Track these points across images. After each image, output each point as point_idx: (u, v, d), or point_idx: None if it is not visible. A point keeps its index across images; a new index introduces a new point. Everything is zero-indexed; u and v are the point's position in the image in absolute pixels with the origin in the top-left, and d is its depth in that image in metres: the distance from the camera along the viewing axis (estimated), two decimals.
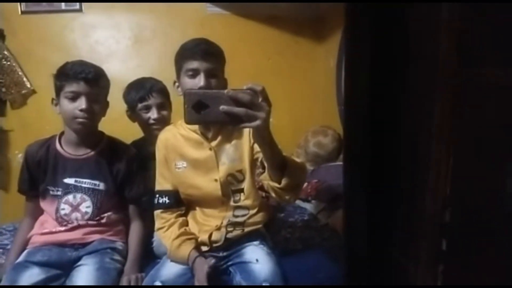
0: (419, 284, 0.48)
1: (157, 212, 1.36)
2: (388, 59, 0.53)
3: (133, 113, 1.69)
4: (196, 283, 1.14)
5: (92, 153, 1.43)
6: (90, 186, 1.41)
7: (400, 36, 0.52)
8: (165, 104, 1.67)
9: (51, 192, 1.40)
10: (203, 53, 1.20)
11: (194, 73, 1.21)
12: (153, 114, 1.62)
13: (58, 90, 1.35)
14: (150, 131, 1.66)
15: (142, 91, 1.62)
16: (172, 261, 1.28)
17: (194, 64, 1.20)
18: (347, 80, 0.54)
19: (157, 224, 1.36)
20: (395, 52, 0.54)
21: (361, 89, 0.52)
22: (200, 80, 1.19)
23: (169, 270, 1.25)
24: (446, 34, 0.45)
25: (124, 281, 1.26)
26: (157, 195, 1.36)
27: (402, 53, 0.53)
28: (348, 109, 0.55)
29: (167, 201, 1.35)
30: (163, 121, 1.64)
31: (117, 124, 1.79)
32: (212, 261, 1.20)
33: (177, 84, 1.31)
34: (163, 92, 1.67)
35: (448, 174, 0.45)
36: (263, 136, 0.91)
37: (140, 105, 1.63)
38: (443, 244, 0.47)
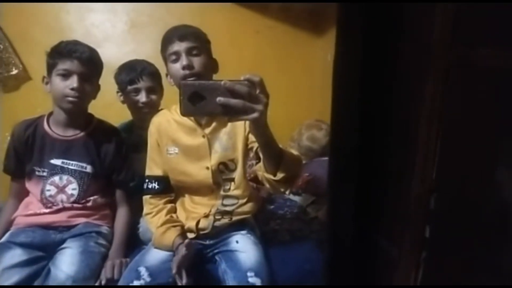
0: (402, 270, 0.47)
1: (146, 197, 1.35)
2: (380, 39, 0.52)
3: (122, 95, 1.67)
4: (174, 266, 1.12)
5: (81, 134, 1.42)
6: (77, 168, 1.39)
7: (393, 16, 0.51)
8: (155, 88, 1.64)
9: (36, 173, 1.38)
10: (180, 34, 1.20)
11: (176, 56, 1.20)
12: (142, 97, 1.60)
13: (50, 68, 1.33)
14: (139, 115, 1.65)
15: (132, 73, 1.60)
16: (156, 247, 1.27)
17: (174, 47, 1.19)
18: (337, 60, 0.52)
19: (145, 209, 1.34)
20: (388, 32, 0.52)
21: (351, 70, 0.51)
22: (183, 60, 1.18)
23: (154, 256, 1.24)
24: (440, 14, 0.44)
25: (107, 266, 1.25)
26: (147, 180, 1.35)
27: (395, 33, 0.52)
28: (337, 91, 0.54)
29: (157, 186, 1.33)
30: (152, 105, 1.62)
31: (111, 108, 1.77)
32: (187, 241, 1.16)
33: (168, 75, 1.29)
34: (154, 75, 1.65)
35: (434, 158, 0.44)
36: (260, 128, 0.90)
37: (129, 88, 1.61)
38: (427, 231, 0.46)
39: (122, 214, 1.47)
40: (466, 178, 0.46)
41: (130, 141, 1.56)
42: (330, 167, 0.56)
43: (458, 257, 0.47)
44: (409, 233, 0.47)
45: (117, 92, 1.70)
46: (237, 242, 1.25)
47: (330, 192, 0.57)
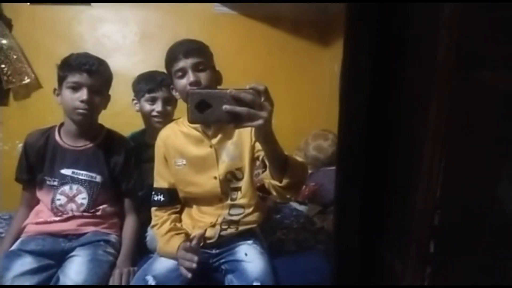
0: (406, 284, 0.48)
1: (152, 209, 1.37)
2: (386, 59, 0.53)
3: (138, 103, 1.71)
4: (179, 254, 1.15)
5: (91, 145, 1.44)
6: (87, 178, 1.42)
7: (399, 36, 0.52)
8: (171, 99, 1.67)
9: (47, 182, 1.41)
10: (185, 51, 1.21)
11: (183, 73, 1.22)
12: (158, 106, 1.64)
13: (61, 80, 1.36)
14: (151, 124, 1.67)
15: (152, 83, 1.64)
16: (161, 256, 1.28)
17: (179, 64, 1.21)
18: (344, 78, 0.54)
19: (152, 221, 1.36)
20: (394, 52, 0.54)
21: (359, 89, 0.52)
22: (189, 77, 1.20)
23: (161, 264, 1.25)
24: (445, 34, 0.45)
25: (115, 274, 1.26)
26: (153, 192, 1.37)
27: (401, 53, 0.53)
28: (344, 107, 0.55)
29: (162, 199, 1.35)
30: (166, 116, 1.65)
31: (120, 117, 1.80)
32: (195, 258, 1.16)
33: (174, 89, 1.32)
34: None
35: (439, 175, 0.45)
36: (265, 136, 0.92)
37: (147, 96, 1.65)
38: (431, 246, 0.47)
39: (130, 223, 1.48)
40: (470, 194, 0.47)
41: (141, 150, 1.58)
42: (337, 178, 0.57)
43: (463, 272, 0.48)
44: (414, 248, 0.48)
45: (133, 99, 1.74)
46: (246, 254, 1.26)
47: (337, 204, 0.58)
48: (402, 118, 0.53)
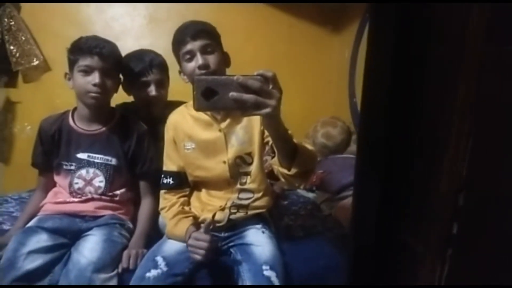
0: (427, 267, 0.47)
1: (161, 192, 1.37)
2: (412, 35, 0.52)
3: (129, 87, 1.61)
4: (189, 242, 1.15)
5: (104, 128, 1.45)
6: (102, 161, 1.43)
7: (425, 12, 0.51)
8: (164, 81, 1.61)
9: (64, 167, 1.43)
10: (192, 33, 1.19)
11: (191, 55, 1.21)
12: (151, 91, 1.56)
13: (72, 64, 1.35)
14: (146, 108, 1.60)
15: (141, 65, 1.54)
16: (169, 238, 1.29)
17: (187, 47, 1.20)
18: (369, 56, 0.52)
19: (160, 204, 1.37)
20: (421, 30, 0.52)
21: (382, 66, 0.51)
22: (198, 60, 1.19)
23: (171, 246, 1.26)
24: (474, 12, 0.43)
25: (124, 255, 1.27)
26: (162, 176, 1.37)
27: (427, 29, 0.51)
28: (367, 86, 0.54)
29: (171, 182, 1.35)
30: (161, 99, 1.60)
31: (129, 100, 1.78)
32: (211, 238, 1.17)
33: (182, 73, 1.30)
34: (163, 67, 1.61)
35: (465, 156, 0.44)
36: (273, 124, 0.89)
37: (138, 80, 1.56)
38: (454, 228, 0.46)
39: (146, 205, 1.49)
40: (496, 175, 0.46)
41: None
42: (358, 161, 0.56)
43: (485, 255, 0.47)
44: (435, 229, 0.47)
45: (122, 83, 1.59)
46: (263, 232, 1.26)
47: (356, 186, 0.58)
48: (427, 96, 0.52)
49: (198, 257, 1.13)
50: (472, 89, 0.43)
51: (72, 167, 1.42)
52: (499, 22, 0.44)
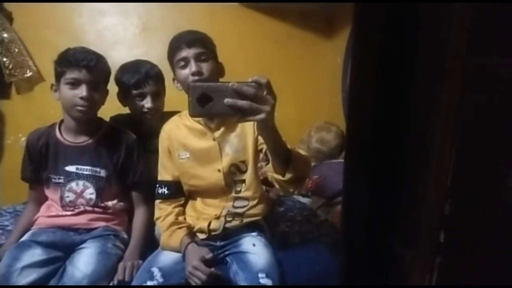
0: (416, 275, 0.48)
1: (156, 202, 1.37)
2: (396, 47, 0.53)
3: (125, 98, 1.61)
4: (188, 269, 1.15)
5: (91, 140, 1.43)
6: (91, 173, 1.42)
7: (410, 23, 0.52)
8: (160, 92, 1.60)
9: (53, 180, 1.41)
10: (188, 41, 1.21)
11: (185, 62, 1.22)
12: (147, 103, 1.56)
13: (59, 76, 1.33)
14: (142, 119, 1.60)
15: (137, 76, 1.54)
16: (164, 249, 1.30)
17: (182, 54, 1.21)
18: (354, 66, 0.53)
19: (156, 214, 1.37)
20: (405, 40, 0.53)
21: (368, 77, 0.52)
22: (192, 67, 1.19)
23: (167, 256, 1.26)
24: (457, 21, 0.44)
25: (120, 267, 1.26)
26: (157, 185, 1.37)
27: (412, 40, 0.52)
28: (353, 96, 0.55)
29: (166, 191, 1.36)
30: (157, 110, 1.59)
31: (120, 111, 1.78)
32: (210, 254, 1.20)
33: (176, 80, 1.30)
34: (159, 78, 1.60)
35: (450, 165, 0.45)
36: (268, 130, 0.91)
37: (134, 92, 1.55)
38: (441, 236, 0.47)
39: (139, 215, 1.48)
40: (481, 184, 0.46)
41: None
42: (346, 169, 0.57)
43: (473, 262, 0.48)
44: (424, 237, 0.48)
45: (118, 93, 1.63)
46: (253, 245, 1.26)
47: (345, 194, 0.58)
48: (412, 107, 0.53)
49: (196, 282, 1.13)
50: (454, 99, 0.44)
51: (61, 180, 1.40)
52: (482, 34, 0.45)
